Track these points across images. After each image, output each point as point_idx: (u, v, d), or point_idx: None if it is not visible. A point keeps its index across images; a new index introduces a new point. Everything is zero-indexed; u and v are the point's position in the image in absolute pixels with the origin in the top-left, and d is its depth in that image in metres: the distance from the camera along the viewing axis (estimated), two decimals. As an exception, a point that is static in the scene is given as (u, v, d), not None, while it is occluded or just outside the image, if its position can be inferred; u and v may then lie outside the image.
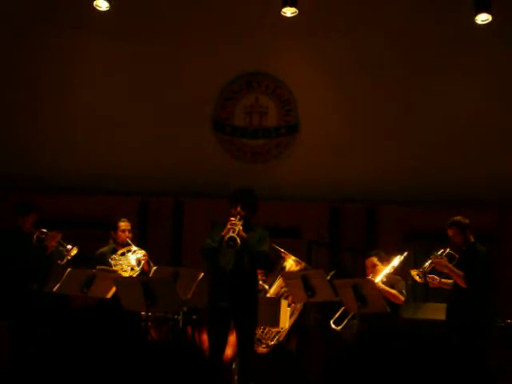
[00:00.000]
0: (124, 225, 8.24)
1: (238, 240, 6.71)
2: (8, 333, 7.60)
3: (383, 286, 8.02)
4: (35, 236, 7.88)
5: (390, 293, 8.01)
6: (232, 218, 6.85)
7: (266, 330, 8.07)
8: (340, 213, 10.99)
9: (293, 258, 8.31)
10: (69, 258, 7.85)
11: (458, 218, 7.77)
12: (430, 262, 7.73)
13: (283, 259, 8.32)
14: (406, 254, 8.22)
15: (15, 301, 7.69)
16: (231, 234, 6.73)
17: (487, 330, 7.51)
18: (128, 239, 8.15)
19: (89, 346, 5.41)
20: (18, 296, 7.72)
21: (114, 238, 8.25)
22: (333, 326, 8.12)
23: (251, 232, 6.94)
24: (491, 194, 10.43)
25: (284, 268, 8.29)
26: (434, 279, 7.81)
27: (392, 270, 8.16)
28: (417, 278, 7.80)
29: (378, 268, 8.27)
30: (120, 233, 8.20)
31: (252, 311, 6.94)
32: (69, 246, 7.88)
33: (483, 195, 10.35)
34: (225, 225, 6.84)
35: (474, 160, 10.60)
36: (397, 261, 8.18)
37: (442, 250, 7.76)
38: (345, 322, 8.10)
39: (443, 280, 7.83)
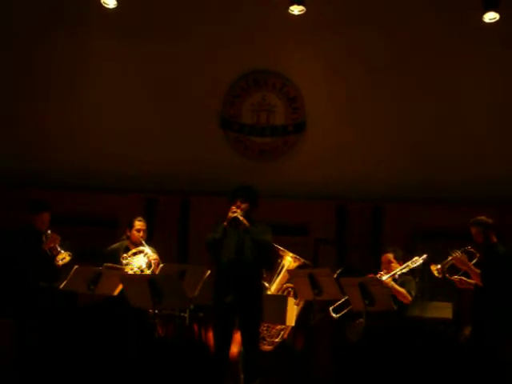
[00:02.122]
0: (140, 224, 8.26)
1: (241, 218, 6.76)
2: (13, 331, 7.63)
3: (393, 284, 8.04)
4: (43, 235, 7.91)
5: (399, 291, 8.03)
6: (233, 207, 6.91)
7: (270, 327, 8.09)
8: (347, 211, 10.98)
9: (291, 254, 8.33)
10: (59, 263, 7.82)
11: (482, 217, 7.77)
12: (449, 258, 7.74)
13: (281, 257, 8.34)
14: (425, 256, 8.15)
15: (23, 298, 7.72)
16: (234, 215, 6.80)
17: (502, 330, 7.47)
18: (142, 239, 8.16)
19: (95, 342, 5.41)
20: (26, 294, 7.75)
21: (128, 236, 8.26)
22: (332, 313, 8.10)
23: (253, 227, 6.95)
24: (495, 193, 10.41)
25: (283, 266, 8.30)
26: (461, 280, 7.79)
27: (406, 271, 8.14)
28: (435, 273, 7.83)
29: (393, 265, 8.26)
30: (135, 232, 8.21)
31: (257, 306, 6.95)
32: (61, 250, 7.82)
33: (490, 195, 10.33)
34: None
35: (482, 159, 10.60)
36: (413, 263, 8.14)
37: (463, 248, 7.76)
38: (344, 312, 8.10)
39: (468, 280, 7.80)
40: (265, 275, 8.29)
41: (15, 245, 7.83)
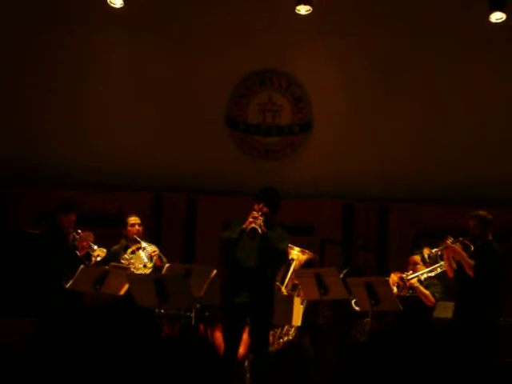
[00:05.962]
0: (132, 219, 8.26)
1: (260, 231, 6.71)
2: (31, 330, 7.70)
3: (417, 285, 8.06)
4: (71, 236, 7.98)
5: (423, 293, 8.06)
6: (254, 212, 6.85)
7: (285, 328, 8.13)
8: (353, 210, 10.97)
9: (297, 248, 8.37)
10: (96, 259, 7.93)
11: (483, 211, 7.76)
12: (445, 245, 7.73)
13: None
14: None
15: (46, 299, 7.80)
16: (253, 225, 6.73)
17: (493, 329, 7.47)
18: (136, 236, 8.15)
19: (102, 341, 5.42)
20: (50, 294, 7.82)
21: (124, 235, 8.27)
22: (354, 306, 8.08)
23: (271, 231, 6.89)
24: (505, 193, 10.39)
25: (292, 260, 8.31)
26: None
27: (431, 274, 8.11)
28: (425, 256, 7.84)
29: (419, 267, 8.25)
30: (130, 227, 8.22)
31: (269, 308, 6.93)
32: (95, 247, 7.95)
33: (496, 194, 10.31)
34: (244, 221, 6.82)
35: (488, 159, 10.60)
36: (441, 267, 8.09)
37: (460, 238, 7.73)
38: None
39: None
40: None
41: (44, 247, 7.91)
